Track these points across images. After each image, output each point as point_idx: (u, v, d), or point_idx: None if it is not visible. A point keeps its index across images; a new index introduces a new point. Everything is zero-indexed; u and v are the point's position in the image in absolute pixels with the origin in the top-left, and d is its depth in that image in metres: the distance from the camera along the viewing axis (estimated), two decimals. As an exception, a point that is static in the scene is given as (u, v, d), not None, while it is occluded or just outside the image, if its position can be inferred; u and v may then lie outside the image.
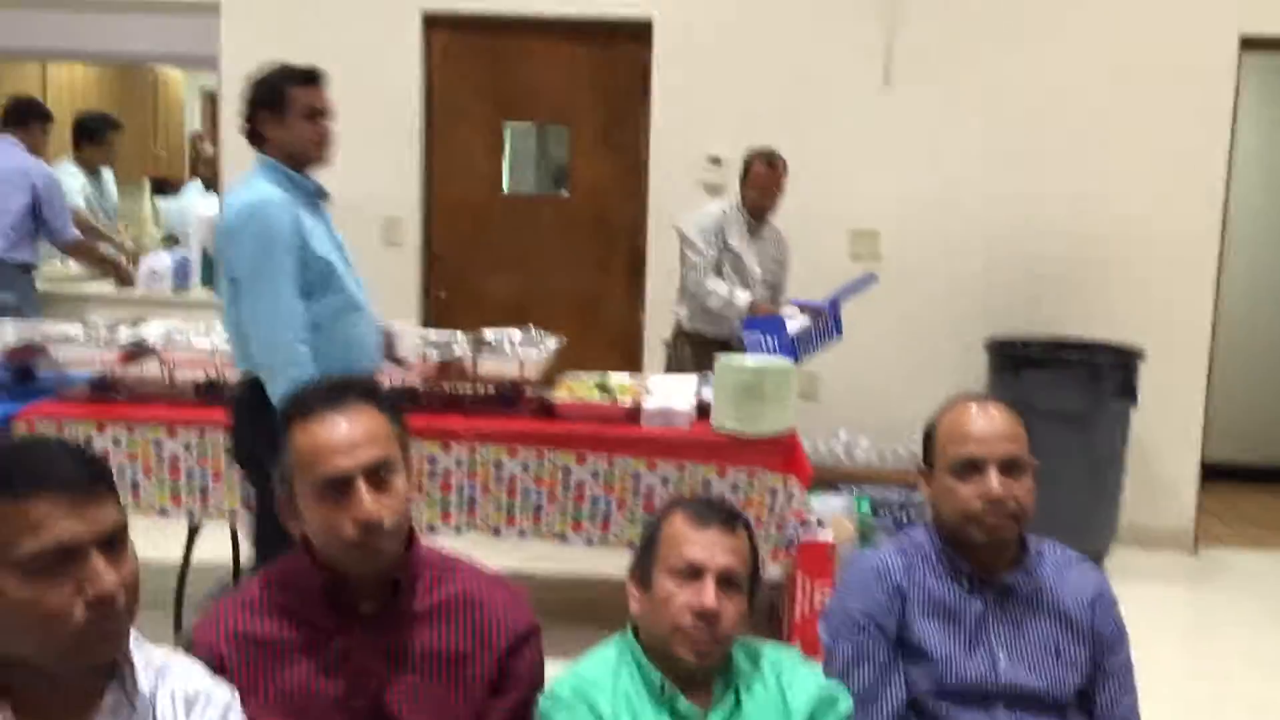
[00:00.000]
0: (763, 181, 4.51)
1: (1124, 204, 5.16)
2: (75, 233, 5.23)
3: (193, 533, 3.91)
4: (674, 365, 4.64)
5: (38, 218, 5.11)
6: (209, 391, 3.88)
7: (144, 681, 1.42)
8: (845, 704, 1.86)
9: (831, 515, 4.03)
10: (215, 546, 4.21)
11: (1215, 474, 5.77)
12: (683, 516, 1.82)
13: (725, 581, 1.77)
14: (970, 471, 1.96)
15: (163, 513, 3.69)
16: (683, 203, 5.06)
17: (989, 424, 1.99)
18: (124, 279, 5.52)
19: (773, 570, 3.76)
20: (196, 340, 3.90)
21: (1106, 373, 4.75)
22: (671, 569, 1.77)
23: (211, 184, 5.91)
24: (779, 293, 4.73)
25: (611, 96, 5.37)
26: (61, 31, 5.47)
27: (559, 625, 3.00)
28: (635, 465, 3.70)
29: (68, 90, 7.44)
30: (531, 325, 4.23)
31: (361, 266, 5.21)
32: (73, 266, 5.63)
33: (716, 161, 5.19)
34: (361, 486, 1.65)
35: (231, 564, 4.40)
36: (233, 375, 3.79)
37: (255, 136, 3.10)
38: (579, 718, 1.73)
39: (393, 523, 1.67)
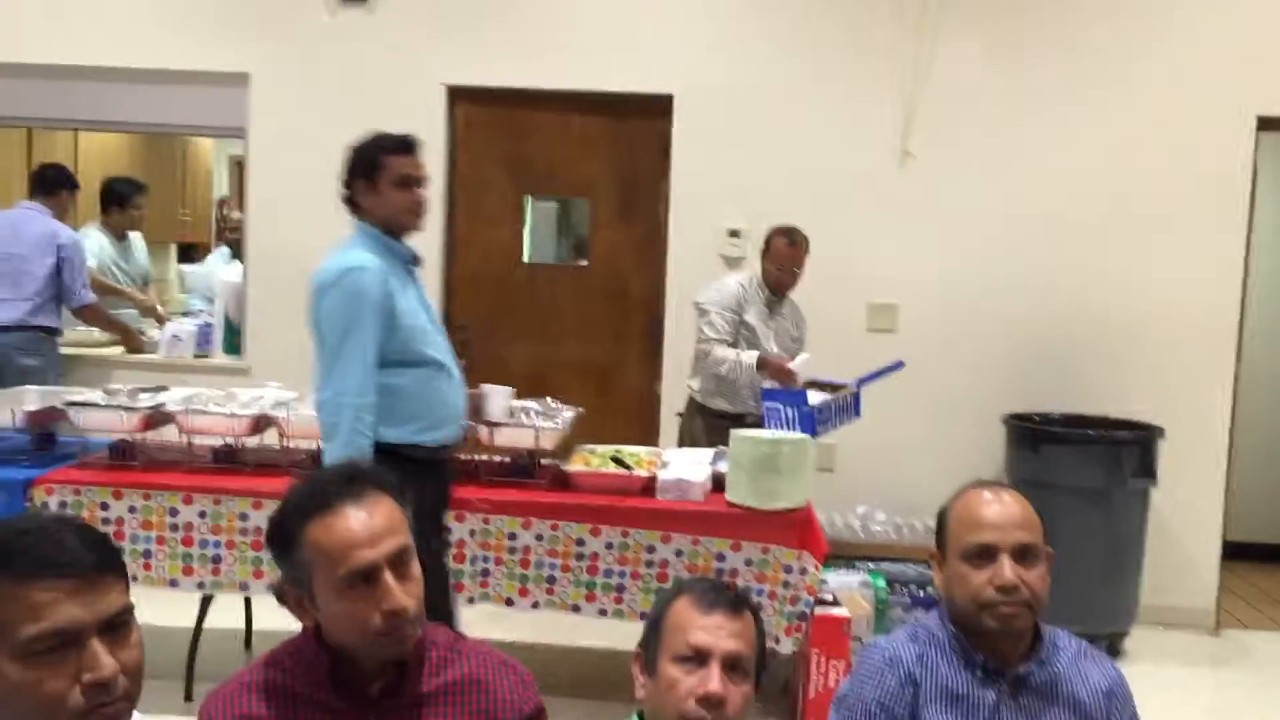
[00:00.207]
0: (784, 259, 4.52)
1: (1143, 281, 5.16)
2: (90, 296, 5.27)
3: (205, 601, 3.90)
4: (687, 438, 4.64)
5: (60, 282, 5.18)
6: (227, 458, 3.91)
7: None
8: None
9: (847, 592, 4.00)
10: (228, 614, 4.20)
11: (1238, 553, 5.70)
12: (687, 600, 1.81)
13: (731, 667, 1.75)
14: (983, 558, 1.94)
15: (173, 584, 3.68)
16: (701, 274, 5.08)
17: (1002, 510, 1.97)
18: (133, 346, 5.54)
19: (786, 645, 3.72)
20: (216, 407, 3.93)
21: (1126, 450, 4.72)
22: (676, 655, 1.76)
23: (237, 250, 5.98)
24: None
25: (631, 169, 5.44)
26: (93, 102, 5.58)
27: (572, 697, 2.99)
28: (649, 538, 3.69)
29: (98, 156, 7.57)
30: (549, 396, 4.25)
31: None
32: (96, 332, 5.68)
33: (735, 234, 5.24)
34: (388, 576, 1.66)
35: (245, 632, 4.40)
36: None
37: (352, 203, 3.16)
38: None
39: (415, 609, 1.69)
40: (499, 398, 3.73)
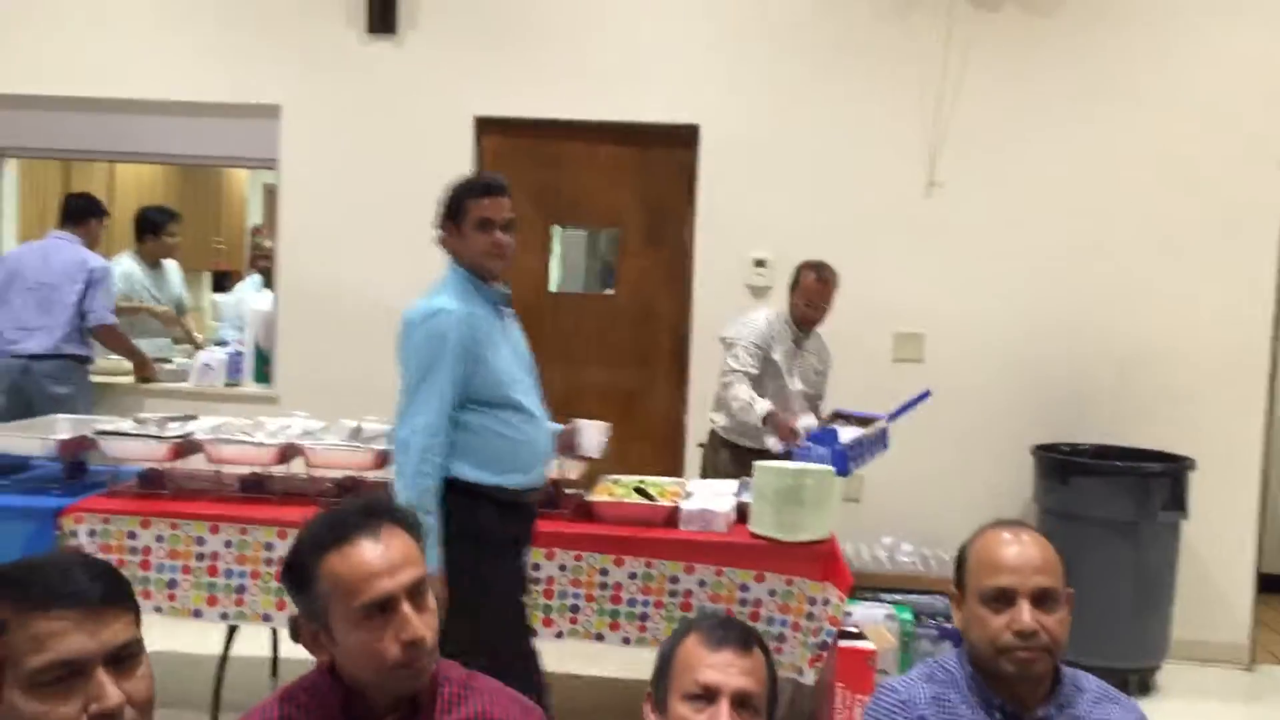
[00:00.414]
0: (813, 295, 4.49)
1: (1174, 310, 5.12)
2: (110, 318, 5.32)
3: (231, 630, 3.92)
4: (710, 470, 4.63)
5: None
6: (254, 487, 3.94)
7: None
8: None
9: (872, 625, 3.96)
10: (254, 643, 4.23)
11: (1273, 586, 5.62)
12: (696, 638, 1.80)
13: (741, 704, 1.74)
14: (1001, 602, 1.93)
15: (197, 614, 3.69)
16: (727, 304, 5.09)
17: (1021, 553, 1.95)
18: (147, 375, 5.57)
19: (809, 676, 3.70)
20: (243, 436, 3.96)
21: (1156, 482, 4.67)
22: (686, 693, 1.76)
23: (269, 278, 6.05)
24: (819, 401, 4.72)
25: (657, 198, 5.46)
26: (128, 134, 5.67)
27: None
28: (673, 568, 3.68)
29: (134, 186, 7.70)
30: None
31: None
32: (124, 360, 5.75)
33: (761, 264, 5.24)
34: (406, 606, 1.68)
35: (271, 661, 4.42)
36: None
37: (444, 245, 3.18)
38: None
39: (433, 640, 1.71)
40: (593, 432, 3.71)
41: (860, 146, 5.24)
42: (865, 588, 4.42)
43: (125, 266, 6.10)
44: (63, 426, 4.22)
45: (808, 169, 5.25)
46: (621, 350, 5.50)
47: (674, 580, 3.69)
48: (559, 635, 3.73)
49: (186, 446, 3.92)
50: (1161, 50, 5.10)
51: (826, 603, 3.64)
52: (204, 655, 4.15)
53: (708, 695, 1.74)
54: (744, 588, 3.66)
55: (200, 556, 3.70)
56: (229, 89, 5.47)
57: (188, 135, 5.62)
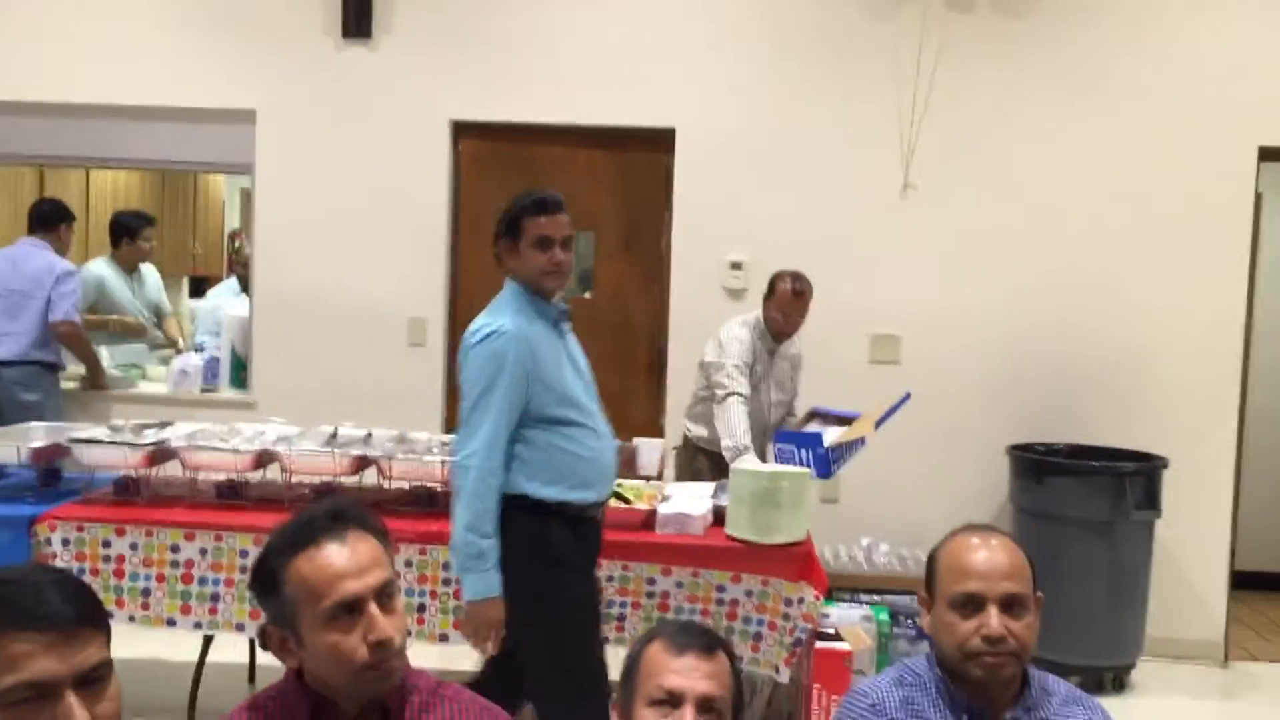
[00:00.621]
0: (790, 308, 4.45)
1: (1147, 311, 5.16)
2: (75, 316, 5.29)
3: (208, 637, 3.91)
4: (685, 474, 4.63)
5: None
6: (230, 494, 3.93)
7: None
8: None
9: (849, 625, 3.98)
10: (232, 650, 4.22)
11: (1247, 583, 5.67)
12: (660, 644, 1.82)
13: (705, 708, 1.76)
14: (969, 607, 1.94)
15: (170, 623, 3.67)
16: (704, 307, 5.12)
17: (990, 559, 1.96)
18: (98, 383, 5.51)
19: (784, 674, 3.73)
20: (219, 442, 3.95)
21: (1131, 481, 4.70)
22: (650, 699, 1.77)
23: (245, 283, 6.03)
24: (793, 398, 4.73)
25: (634, 202, 5.47)
26: (103, 139, 5.64)
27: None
28: (650, 570, 3.69)
29: (110, 191, 7.66)
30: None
31: (385, 367, 5.38)
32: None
33: (737, 267, 5.25)
34: (373, 608, 1.68)
35: (248, 668, 4.41)
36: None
37: (501, 261, 3.16)
38: None
39: (401, 641, 1.71)
40: (652, 450, 3.69)
41: (836, 149, 5.26)
42: (843, 588, 4.45)
43: (100, 271, 6.06)
44: (37, 434, 4.21)
45: (784, 172, 5.27)
46: (599, 353, 5.41)
47: (651, 582, 3.70)
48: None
49: (161, 453, 3.91)
50: (1135, 48, 5.14)
51: (801, 601, 3.66)
52: (181, 662, 4.14)
53: (672, 700, 1.76)
54: (720, 588, 3.68)
55: (175, 564, 3.68)
56: (204, 94, 5.45)
57: (163, 140, 5.60)
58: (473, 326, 3.06)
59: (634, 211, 5.48)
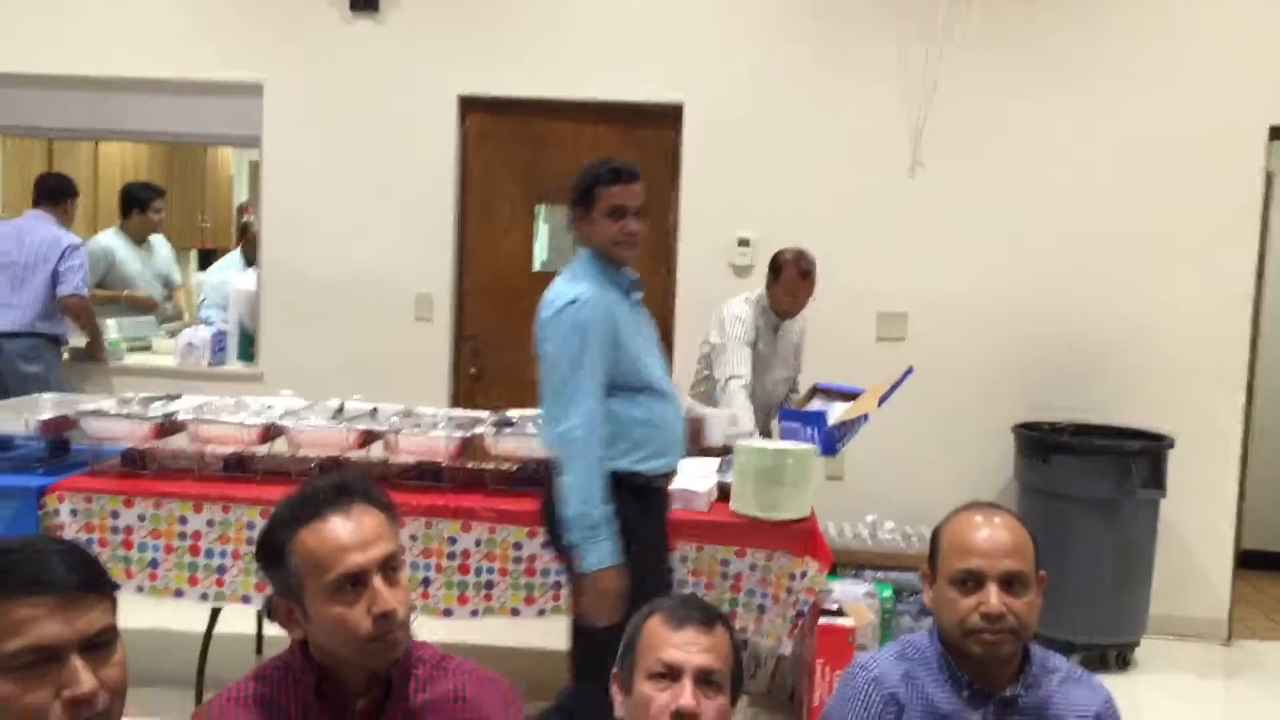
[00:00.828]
0: (796, 288, 4.42)
1: (1154, 289, 5.14)
2: (84, 289, 5.32)
3: (216, 609, 3.94)
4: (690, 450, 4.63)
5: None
6: (237, 467, 3.95)
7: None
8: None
9: (852, 602, 4.00)
10: (240, 621, 4.25)
11: (1253, 562, 5.67)
12: (659, 619, 1.84)
13: (704, 681, 1.77)
14: (970, 584, 1.95)
15: (178, 594, 3.71)
16: (711, 283, 5.11)
17: (991, 537, 1.97)
18: (93, 355, 5.54)
19: (786, 645, 3.79)
20: (226, 415, 3.97)
21: (1136, 460, 4.70)
22: (649, 672, 1.79)
23: (249, 256, 6.03)
24: (797, 374, 4.73)
25: (641, 177, 5.43)
26: (112, 112, 5.65)
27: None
28: (652, 546, 3.70)
29: (119, 164, 7.67)
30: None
31: (392, 342, 5.39)
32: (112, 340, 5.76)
33: (745, 243, 5.25)
34: (377, 580, 1.70)
35: (256, 639, 4.45)
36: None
37: (575, 229, 3.15)
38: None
39: (404, 614, 1.72)
40: (719, 423, 3.66)
41: (845, 126, 5.24)
42: (847, 565, 4.45)
43: (110, 243, 6.08)
44: (45, 406, 4.23)
45: (792, 148, 5.25)
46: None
47: (654, 557, 3.71)
48: (541, 613, 3.75)
49: (169, 426, 3.93)
50: (1146, 27, 5.10)
51: (804, 575, 3.69)
52: (189, 633, 4.17)
53: (671, 674, 1.77)
54: (725, 563, 3.69)
55: (182, 536, 3.71)
56: (212, 66, 5.44)
57: (171, 113, 5.60)
58: (548, 296, 3.04)
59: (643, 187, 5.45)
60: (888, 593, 4.27)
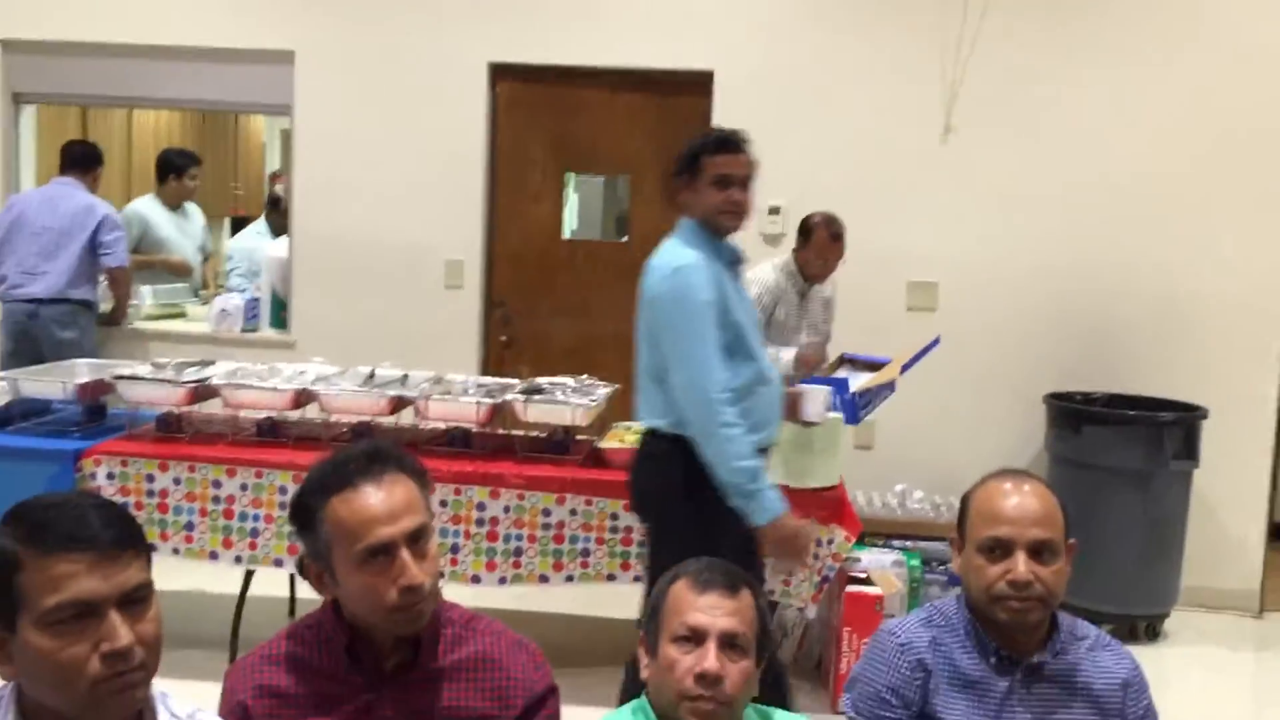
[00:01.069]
0: (826, 252, 4.40)
1: (1188, 258, 5.08)
2: (126, 259, 5.39)
3: (249, 571, 3.99)
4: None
5: (97, 253, 5.29)
6: (270, 432, 4.00)
7: (169, 736, 1.49)
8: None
9: (880, 570, 4.01)
10: (273, 583, 4.30)
11: (1285, 535, 5.62)
12: (684, 583, 1.85)
13: (728, 645, 1.78)
14: (998, 552, 1.94)
15: (213, 556, 3.78)
16: (740, 251, 5.09)
17: (1021, 504, 1.96)
18: (113, 319, 5.59)
19: (811, 610, 3.83)
20: (259, 381, 4.01)
21: (1168, 431, 4.66)
22: (674, 636, 1.80)
23: (282, 225, 6.07)
24: (826, 340, 4.70)
25: (672, 145, 5.30)
26: (145, 80, 5.67)
27: (612, 666, 3.04)
28: (683, 513, 3.71)
29: (151, 131, 7.72)
30: (589, 372, 4.30)
31: (422, 309, 5.41)
32: (146, 307, 5.82)
33: (775, 211, 5.22)
34: (404, 553, 1.71)
35: (289, 601, 4.50)
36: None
37: (678, 198, 3.12)
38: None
39: (431, 585, 1.74)
40: (817, 398, 3.64)
41: (877, 92, 5.19)
42: (875, 534, 4.46)
43: (145, 209, 6.14)
44: (82, 370, 4.29)
45: (823, 115, 5.21)
46: (634, 298, 5.43)
47: (683, 524, 3.72)
48: (570, 579, 3.78)
49: (203, 391, 3.98)
50: (1185, -7, 5.02)
51: (831, 542, 3.71)
52: (223, 595, 4.23)
53: (695, 637, 1.79)
54: (754, 529, 3.70)
55: (216, 499, 3.76)
56: (244, 34, 5.46)
57: (204, 81, 5.62)
58: (655, 263, 3.03)
59: (671, 155, 5.36)
60: (915, 562, 4.27)
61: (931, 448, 5.15)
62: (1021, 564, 1.92)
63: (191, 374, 4.06)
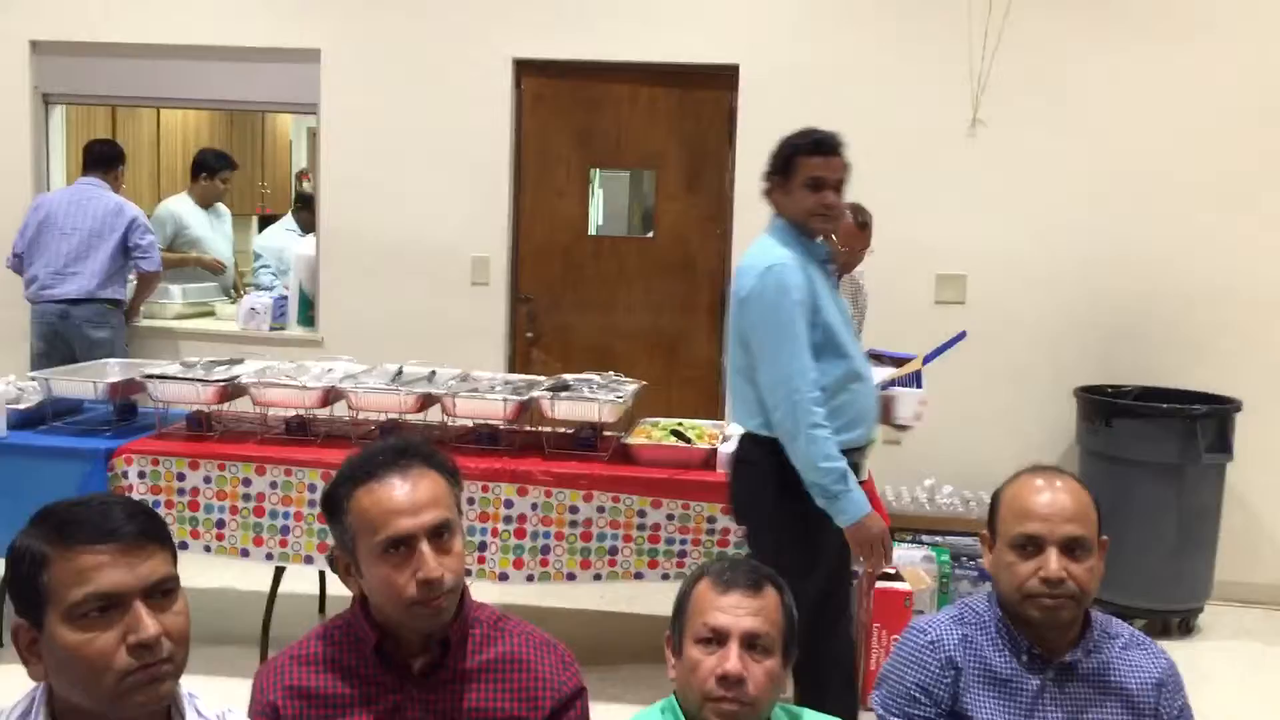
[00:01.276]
0: (853, 241, 4.36)
1: (1220, 250, 5.02)
2: (160, 263, 5.43)
3: (280, 568, 4.01)
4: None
5: (129, 254, 5.32)
6: (299, 429, 4.01)
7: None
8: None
9: (909, 566, 3.99)
10: (303, 581, 4.33)
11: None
12: (707, 583, 1.84)
13: (750, 645, 1.77)
14: (1029, 549, 1.93)
15: (244, 554, 3.80)
16: (767, 246, 5.06)
17: (1053, 501, 1.94)
18: (129, 316, 5.58)
19: None
20: (287, 379, 4.03)
21: (1201, 424, 4.61)
22: (697, 636, 1.79)
23: (310, 223, 6.10)
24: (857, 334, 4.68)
25: (697, 140, 5.42)
26: (173, 79, 5.70)
27: (636, 663, 3.04)
28: (710, 509, 3.71)
29: (179, 130, 7.77)
30: (615, 368, 4.30)
31: (449, 306, 5.42)
32: (176, 306, 5.87)
33: (801, 205, 5.18)
34: (424, 546, 1.71)
35: (319, 599, 4.53)
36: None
37: (770, 197, 3.12)
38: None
39: (452, 582, 1.74)
40: (910, 400, 3.61)
41: (903, 84, 5.15)
42: (905, 529, 4.44)
43: (179, 208, 6.19)
44: (112, 370, 4.32)
45: (849, 108, 5.16)
46: (660, 293, 5.49)
47: (711, 520, 3.73)
48: (597, 577, 3.78)
49: (232, 390, 4.00)
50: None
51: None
52: (253, 592, 4.26)
53: (717, 638, 1.77)
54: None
55: (246, 497, 3.79)
56: (270, 33, 5.48)
57: (230, 80, 5.65)
58: (745, 264, 3.02)
59: (696, 150, 5.43)
60: (945, 558, 4.26)
61: (961, 442, 5.11)
62: (1054, 561, 1.90)
63: (220, 373, 4.08)
